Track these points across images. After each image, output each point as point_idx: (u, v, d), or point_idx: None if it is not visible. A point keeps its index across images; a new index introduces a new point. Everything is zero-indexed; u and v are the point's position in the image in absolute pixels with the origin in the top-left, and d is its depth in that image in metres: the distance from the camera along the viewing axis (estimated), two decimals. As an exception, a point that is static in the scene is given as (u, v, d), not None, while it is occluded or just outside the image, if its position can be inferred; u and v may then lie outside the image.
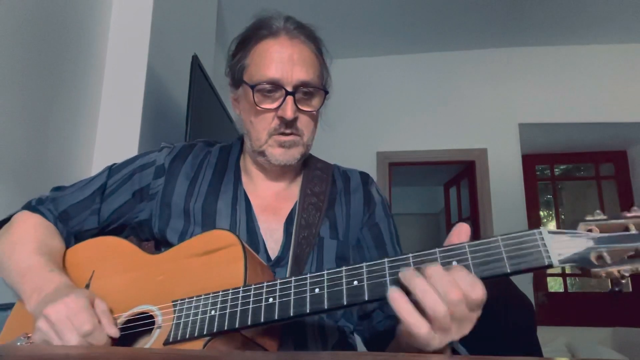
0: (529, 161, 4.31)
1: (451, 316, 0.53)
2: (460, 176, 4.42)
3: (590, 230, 0.54)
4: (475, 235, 4.21)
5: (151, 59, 1.94)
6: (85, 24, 1.79)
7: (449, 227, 4.85)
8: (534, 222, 4.21)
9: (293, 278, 0.61)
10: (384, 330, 0.83)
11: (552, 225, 5.11)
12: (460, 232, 0.58)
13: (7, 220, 0.89)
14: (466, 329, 0.55)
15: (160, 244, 0.90)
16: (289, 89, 0.80)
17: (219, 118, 2.43)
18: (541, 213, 4.60)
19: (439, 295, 0.52)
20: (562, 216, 4.90)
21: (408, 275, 0.54)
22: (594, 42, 3.92)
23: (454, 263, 0.55)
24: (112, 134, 1.86)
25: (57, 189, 0.93)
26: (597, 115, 3.84)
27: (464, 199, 4.34)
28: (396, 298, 0.54)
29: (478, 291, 0.52)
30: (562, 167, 4.87)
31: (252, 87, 0.81)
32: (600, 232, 0.54)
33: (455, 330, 0.54)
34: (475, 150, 3.95)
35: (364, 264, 0.59)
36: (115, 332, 0.66)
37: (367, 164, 3.93)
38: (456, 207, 4.56)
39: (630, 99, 3.82)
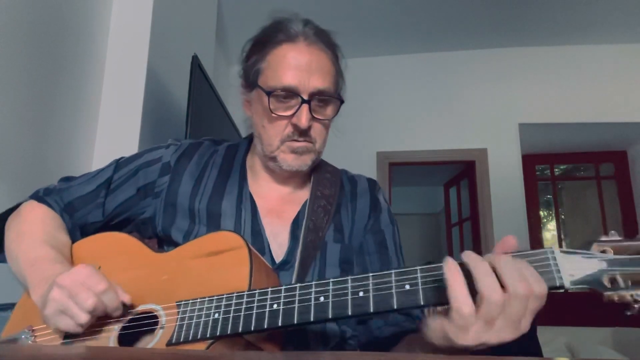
0: (529, 161, 4.31)
1: (504, 310, 0.49)
2: (460, 176, 4.42)
3: (604, 252, 0.52)
4: (475, 235, 4.16)
5: (151, 59, 1.93)
6: (85, 24, 1.78)
7: (449, 227, 4.86)
8: (534, 222, 4.21)
9: (298, 285, 0.61)
10: (385, 337, 0.82)
11: (551, 225, 5.11)
12: (505, 243, 0.55)
13: (13, 209, 0.89)
14: (508, 335, 0.50)
15: (163, 242, 0.90)
16: (305, 97, 0.79)
17: (219, 118, 2.43)
18: (541, 213, 4.60)
19: (500, 282, 0.50)
20: (562, 216, 4.90)
21: (472, 257, 0.52)
22: (594, 42, 3.93)
23: None
24: (112, 134, 1.86)
25: (66, 179, 0.93)
26: (597, 115, 3.85)
27: (464, 199, 4.34)
28: (451, 267, 0.52)
29: (543, 285, 0.50)
30: (562, 167, 4.87)
31: (268, 93, 0.80)
32: (614, 253, 0.52)
33: (496, 329, 0.50)
34: (475, 150, 3.95)
35: (370, 275, 0.58)
36: (128, 299, 0.68)
37: (367, 164, 3.93)
38: (456, 207, 4.56)
39: (630, 99, 3.83)
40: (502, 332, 0.50)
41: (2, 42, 1.33)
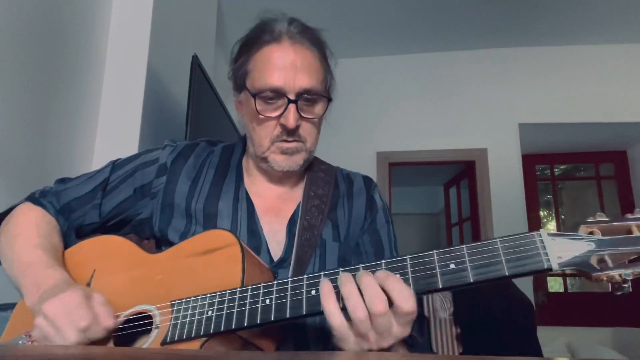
0: (529, 161, 4.31)
1: (373, 325, 0.54)
2: (460, 176, 4.42)
3: (592, 233, 0.52)
4: (475, 235, 4.17)
5: (151, 59, 1.94)
6: (85, 24, 1.79)
7: (449, 227, 4.86)
8: (534, 222, 4.21)
9: (290, 279, 0.61)
10: None
11: (552, 225, 5.10)
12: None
13: (9, 211, 0.89)
14: (385, 342, 0.56)
15: (160, 243, 0.90)
16: (291, 96, 0.79)
17: (219, 118, 2.43)
18: (541, 213, 4.60)
19: (364, 302, 0.54)
20: (562, 216, 4.89)
21: (345, 278, 0.57)
22: (594, 42, 3.92)
23: (452, 265, 0.55)
24: (112, 134, 1.86)
25: (61, 181, 0.93)
26: (597, 115, 3.84)
27: (464, 199, 4.34)
28: (324, 286, 0.57)
29: (409, 305, 0.53)
30: (562, 167, 4.87)
31: (254, 95, 0.80)
32: (602, 234, 0.52)
33: (374, 340, 0.55)
34: (475, 150, 3.95)
35: (360, 266, 0.59)
36: (112, 324, 0.66)
37: (367, 164, 3.93)
38: (456, 207, 4.56)
39: (630, 99, 3.82)
40: (380, 341, 0.55)
41: (2, 42, 1.33)
